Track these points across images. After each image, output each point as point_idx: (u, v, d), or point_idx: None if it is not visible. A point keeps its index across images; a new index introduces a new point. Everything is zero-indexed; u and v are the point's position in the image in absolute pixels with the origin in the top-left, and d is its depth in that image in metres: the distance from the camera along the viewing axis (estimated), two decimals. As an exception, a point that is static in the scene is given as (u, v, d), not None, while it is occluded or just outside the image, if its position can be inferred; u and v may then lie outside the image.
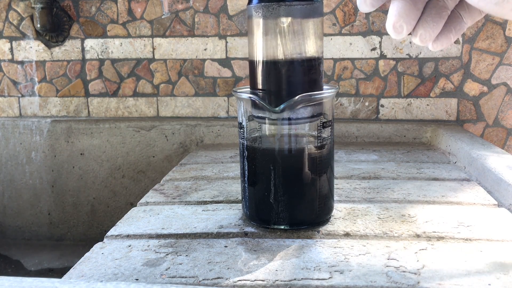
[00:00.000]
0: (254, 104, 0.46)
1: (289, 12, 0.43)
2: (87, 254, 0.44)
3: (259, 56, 0.44)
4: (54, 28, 0.99)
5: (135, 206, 0.57)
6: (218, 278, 0.39)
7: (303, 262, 0.41)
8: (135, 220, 0.52)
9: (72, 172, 1.02)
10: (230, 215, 0.53)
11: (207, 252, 0.44)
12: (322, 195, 0.48)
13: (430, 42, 0.31)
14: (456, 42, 0.91)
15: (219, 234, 0.48)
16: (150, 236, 0.48)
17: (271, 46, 0.44)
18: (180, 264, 0.41)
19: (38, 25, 0.97)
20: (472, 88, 0.92)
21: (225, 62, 0.97)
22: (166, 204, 0.57)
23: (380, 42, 0.93)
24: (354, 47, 0.93)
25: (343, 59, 0.94)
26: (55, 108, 1.04)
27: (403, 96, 0.94)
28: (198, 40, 0.97)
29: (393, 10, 0.29)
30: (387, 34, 0.92)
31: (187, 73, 0.99)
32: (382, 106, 0.95)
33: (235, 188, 0.62)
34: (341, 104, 0.96)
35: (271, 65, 0.44)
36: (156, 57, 0.99)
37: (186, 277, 0.39)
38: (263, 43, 0.44)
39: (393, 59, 0.93)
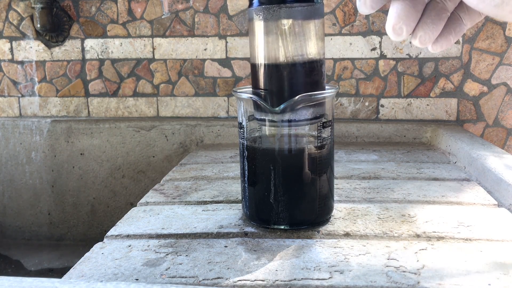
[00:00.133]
0: (255, 105, 0.46)
1: (290, 14, 0.43)
2: (87, 254, 0.44)
3: (260, 59, 0.44)
4: (54, 28, 0.99)
5: (135, 206, 0.57)
6: (218, 278, 0.39)
7: (303, 262, 0.41)
8: (135, 220, 0.52)
9: (72, 172, 1.02)
10: (230, 215, 0.53)
11: (207, 252, 0.44)
12: (322, 195, 0.48)
13: (429, 44, 0.31)
14: (456, 42, 0.91)
15: (219, 234, 0.48)
16: (150, 236, 0.48)
17: (272, 49, 0.44)
18: (180, 264, 0.41)
19: (38, 25, 0.97)
20: (472, 88, 0.92)
21: (225, 62, 0.97)
22: (166, 204, 0.57)
23: (380, 42, 0.93)
24: (354, 47, 0.93)
25: (343, 59, 0.94)
26: (55, 108, 1.04)
27: (403, 96, 0.94)
28: (198, 40, 0.97)
29: (393, 12, 0.29)
30: (387, 34, 0.92)
31: (187, 73, 0.99)
32: (382, 106, 0.95)
33: (235, 188, 0.62)
34: (341, 104, 0.96)
35: (273, 68, 0.44)
36: (156, 57, 0.99)
37: (186, 277, 0.39)
38: (264, 46, 0.44)
39: (393, 59, 0.93)
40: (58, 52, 1.02)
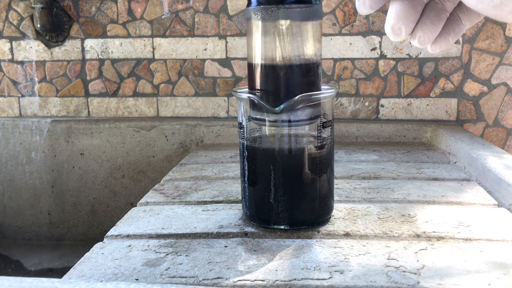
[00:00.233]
0: (253, 105, 0.46)
1: (288, 15, 0.43)
2: (87, 254, 0.44)
3: (257, 58, 0.44)
4: (54, 28, 0.99)
5: (135, 206, 0.57)
6: (218, 278, 0.39)
7: (303, 262, 0.41)
8: (135, 220, 0.52)
9: (72, 172, 1.02)
10: (230, 215, 0.53)
11: (207, 252, 0.44)
12: (322, 195, 0.48)
13: (429, 45, 0.31)
14: (456, 42, 0.91)
15: (219, 234, 0.48)
16: (150, 236, 0.48)
17: (269, 49, 0.44)
18: (180, 264, 0.41)
19: (38, 25, 0.97)
20: (472, 88, 0.92)
21: (225, 62, 0.97)
22: (166, 204, 0.57)
23: (380, 42, 0.93)
24: (354, 47, 0.93)
25: (343, 59, 0.94)
26: (55, 108, 1.04)
27: (403, 96, 0.94)
28: (198, 40, 0.97)
29: (392, 12, 0.29)
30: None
31: (187, 73, 0.99)
32: (382, 106, 0.95)
33: (235, 188, 0.62)
34: (341, 104, 0.96)
35: (270, 68, 0.44)
36: (156, 57, 0.99)
37: (186, 277, 0.39)
38: (261, 45, 0.44)
39: (393, 59, 0.93)
40: (58, 52, 1.02)
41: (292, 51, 0.43)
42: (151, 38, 0.98)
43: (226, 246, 0.45)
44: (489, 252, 0.43)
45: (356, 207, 0.54)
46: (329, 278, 0.38)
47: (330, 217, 0.51)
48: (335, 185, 0.59)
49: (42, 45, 1.02)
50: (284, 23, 0.43)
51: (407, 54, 0.93)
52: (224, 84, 0.98)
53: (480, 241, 0.45)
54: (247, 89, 0.48)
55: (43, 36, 1.01)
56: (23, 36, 1.02)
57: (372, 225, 0.49)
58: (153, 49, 0.99)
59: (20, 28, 1.02)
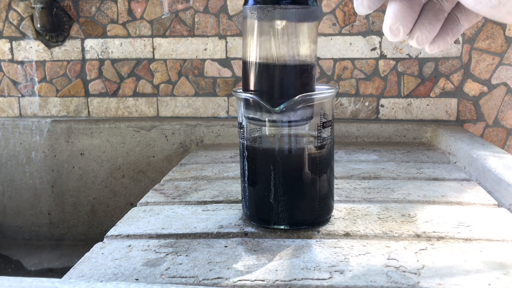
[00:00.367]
0: (253, 104, 0.46)
1: (284, 15, 0.43)
2: (87, 254, 0.44)
3: (252, 57, 0.44)
4: (54, 28, 0.99)
5: (135, 206, 0.57)
6: (218, 278, 0.39)
7: (303, 262, 0.41)
8: (135, 220, 0.52)
9: (72, 172, 1.02)
10: (230, 215, 0.53)
11: (207, 252, 0.44)
12: (322, 195, 0.48)
13: (427, 45, 0.31)
14: (456, 42, 0.91)
15: (219, 234, 0.48)
16: (150, 236, 0.48)
17: (264, 48, 0.44)
18: (180, 264, 0.41)
19: (38, 25, 0.97)
20: (472, 88, 0.92)
21: (225, 62, 0.97)
22: (166, 204, 0.57)
23: (380, 42, 0.93)
24: (354, 47, 0.93)
25: (343, 59, 0.94)
26: (55, 108, 1.04)
27: (403, 96, 0.94)
28: (198, 40, 0.97)
29: (390, 13, 0.29)
30: (387, 34, 0.91)
31: (187, 73, 0.99)
32: (382, 106, 0.95)
33: (235, 188, 0.62)
34: (341, 104, 0.96)
35: (264, 67, 0.44)
36: (156, 57, 0.99)
37: (186, 277, 0.39)
38: (256, 45, 0.44)
39: (393, 59, 0.93)
40: (58, 52, 1.02)
41: (287, 51, 0.43)
42: (151, 38, 0.98)
43: (226, 246, 0.45)
44: (489, 252, 0.43)
45: (356, 207, 0.54)
46: (329, 278, 0.38)
47: (330, 217, 0.51)
48: (335, 185, 0.59)
49: (42, 45, 1.02)
50: (279, 23, 0.43)
51: (407, 54, 0.93)
52: (224, 84, 0.98)
53: (480, 241, 0.45)
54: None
55: (43, 36, 1.01)
56: (23, 36, 1.02)
57: (372, 225, 0.49)
58: (153, 49, 0.99)
59: (20, 28, 1.02)
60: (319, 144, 0.47)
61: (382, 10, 0.91)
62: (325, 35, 0.94)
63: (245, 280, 0.38)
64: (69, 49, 1.01)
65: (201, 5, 0.96)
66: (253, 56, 0.44)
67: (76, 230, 1.03)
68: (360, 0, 0.30)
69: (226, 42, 0.97)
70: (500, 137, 0.94)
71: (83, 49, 1.01)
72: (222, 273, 0.40)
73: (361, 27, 0.93)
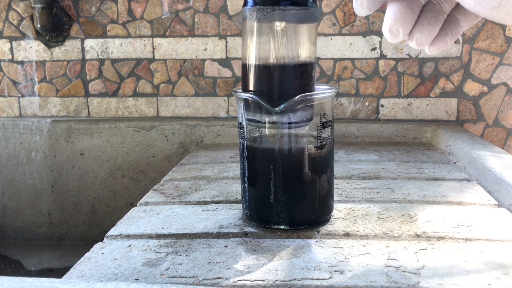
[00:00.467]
0: (253, 104, 0.46)
1: (283, 16, 0.43)
2: (87, 254, 0.44)
3: (251, 59, 0.44)
4: (54, 28, 0.99)
5: (135, 206, 0.57)
6: (218, 278, 0.39)
7: (303, 262, 0.41)
8: (135, 220, 0.52)
9: (72, 172, 1.02)
10: (230, 215, 0.53)
11: (207, 252, 0.44)
12: (322, 195, 0.48)
13: (426, 46, 0.31)
14: (456, 42, 0.91)
15: (219, 234, 0.48)
16: (150, 236, 0.48)
17: (263, 49, 0.44)
18: (180, 264, 0.41)
19: (38, 25, 0.97)
20: (472, 88, 0.92)
21: (225, 62, 0.97)
22: (166, 204, 0.57)
23: (380, 42, 0.93)
24: (354, 47, 0.93)
25: (343, 59, 0.94)
26: (55, 108, 1.04)
27: (403, 96, 0.94)
28: (198, 40, 0.97)
29: (389, 14, 0.29)
30: (387, 34, 0.91)
31: (187, 73, 0.99)
32: (382, 106, 0.95)
33: (235, 188, 0.62)
34: (341, 104, 0.96)
35: (263, 68, 0.44)
36: (156, 57, 0.99)
37: (186, 277, 0.39)
38: (255, 46, 0.44)
39: (393, 59, 0.93)
40: (58, 52, 1.02)
41: (286, 53, 0.43)
42: (151, 38, 0.98)
43: (226, 246, 0.45)
44: (489, 252, 0.43)
45: (356, 207, 0.54)
46: (329, 278, 0.38)
47: (330, 217, 0.51)
48: (335, 185, 0.59)
49: (42, 45, 1.02)
50: (279, 25, 0.43)
51: (407, 54, 0.93)
52: (224, 84, 0.98)
53: (480, 241, 0.45)
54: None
55: (43, 36, 1.01)
56: (23, 36, 1.02)
57: (372, 225, 0.49)
58: (153, 49, 0.99)
59: (20, 28, 1.02)
60: (319, 144, 0.47)
61: (382, 10, 0.91)
62: (325, 35, 0.94)
63: (245, 280, 0.38)
64: (69, 49, 1.01)
65: (201, 5, 0.96)
66: (253, 57, 0.44)
67: (76, 230, 1.03)
68: (359, 1, 0.30)
69: (226, 42, 0.97)
70: (500, 137, 0.94)
71: (83, 49, 1.01)
72: (222, 273, 0.40)
73: (361, 27, 0.93)
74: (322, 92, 0.46)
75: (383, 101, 0.95)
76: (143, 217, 0.53)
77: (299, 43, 0.43)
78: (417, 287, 0.37)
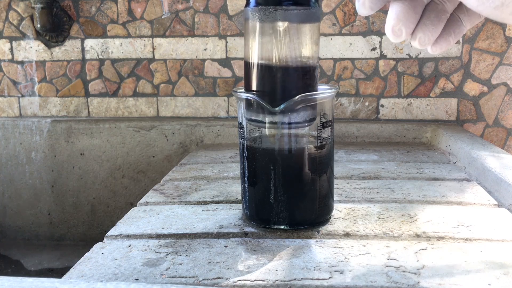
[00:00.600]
0: (253, 104, 0.46)
1: (285, 16, 0.43)
2: (87, 254, 0.44)
3: (254, 59, 0.44)
4: (54, 28, 0.99)
5: (135, 206, 0.57)
6: (218, 278, 0.39)
7: (303, 262, 0.41)
8: (135, 220, 0.52)
9: (72, 172, 1.02)
10: (230, 215, 0.53)
11: (207, 252, 0.44)
12: (322, 195, 0.48)
13: (429, 46, 0.31)
14: (456, 42, 0.91)
15: (219, 234, 0.48)
16: (150, 236, 0.48)
17: (266, 50, 0.44)
18: (180, 264, 0.41)
19: (38, 25, 0.97)
20: (472, 88, 0.92)
21: (225, 62, 0.97)
22: (166, 204, 0.57)
23: (380, 42, 0.93)
24: (354, 47, 0.93)
25: (343, 59, 0.94)
26: (55, 108, 1.04)
27: (403, 96, 0.94)
28: (198, 40, 0.97)
29: (392, 14, 0.29)
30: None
31: (187, 73, 0.99)
32: (382, 106, 0.95)
33: (235, 188, 0.62)
34: (341, 104, 0.96)
35: (266, 69, 0.44)
36: (156, 57, 0.99)
37: (186, 277, 0.39)
38: (258, 46, 0.44)
39: (393, 59, 0.93)
40: (58, 52, 1.02)
41: (289, 53, 0.43)
42: (151, 38, 0.98)
43: (226, 246, 0.45)
44: (489, 252, 0.43)
45: (356, 207, 0.54)
46: (329, 278, 0.38)
47: (330, 217, 0.51)
48: (335, 185, 0.59)
49: (42, 45, 1.02)
50: (281, 25, 0.43)
51: (407, 54, 0.93)
52: (224, 84, 0.98)
53: (480, 241, 0.45)
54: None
55: (43, 36, 1.01)
56: (23, 36, 1.02)
57: (372, 225, 0.49)
58: (153, 49, 0.99)
59: (20, 28, 1.02)
60: (319, 144, 0.47)
61: (382, 10, 0.91)
62: (325, 35, 0.94)
63: (245, 280, 0.38)
64: (69, 49, 1.01)
65: (201, 5, 0.96)
66: (255, 57, 0.44)
67: (76, 230, 1.03)
68: (362, 1, 0.30)
69: (226, 42, 0.97)
70: (500, 137, 0.94)
71: (83, 49, 1.01)
72: (222, 273, 0.40)
73: (361, 27, 0.93)
74: (322, 92, 0.46)
75: (383, 101, 0.95)
76: (143, 217, 0.53)
77: (302, 43, 0.43)
78: (417, 287, 0.37)
